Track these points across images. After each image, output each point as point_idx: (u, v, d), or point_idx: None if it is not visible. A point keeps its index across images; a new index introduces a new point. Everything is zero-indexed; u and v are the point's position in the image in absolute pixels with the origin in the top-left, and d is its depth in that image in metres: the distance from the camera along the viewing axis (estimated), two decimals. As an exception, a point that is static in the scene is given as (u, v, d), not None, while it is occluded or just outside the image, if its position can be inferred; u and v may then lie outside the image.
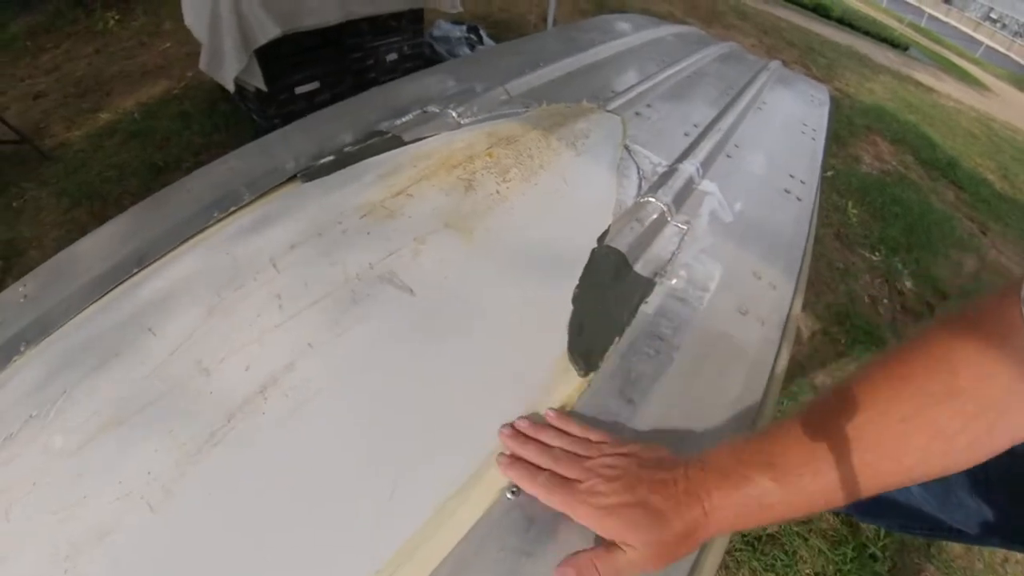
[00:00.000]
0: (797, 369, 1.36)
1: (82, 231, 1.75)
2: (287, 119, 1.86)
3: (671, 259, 0.61)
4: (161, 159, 1.95)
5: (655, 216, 0.66)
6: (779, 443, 0.37)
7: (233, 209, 0.65)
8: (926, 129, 3.97)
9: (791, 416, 0.38)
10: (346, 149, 0.78)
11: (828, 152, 1.26)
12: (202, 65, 1.58)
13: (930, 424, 0.34)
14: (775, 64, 1.62)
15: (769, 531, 1.06)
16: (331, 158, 0.76)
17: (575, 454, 0.39)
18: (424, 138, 0.79)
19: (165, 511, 0.36)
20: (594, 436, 0.41)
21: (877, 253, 1.81)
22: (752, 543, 1.04)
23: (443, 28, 2.40)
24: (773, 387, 0.55)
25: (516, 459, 0.39)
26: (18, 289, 0.54)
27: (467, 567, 0.35)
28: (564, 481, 0.38)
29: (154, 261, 0.57)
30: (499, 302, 0.51)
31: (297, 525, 0.35)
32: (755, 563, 1.02)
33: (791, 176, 0.99)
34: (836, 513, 1.00)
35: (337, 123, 0.86)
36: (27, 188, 2.06)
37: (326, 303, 0.49)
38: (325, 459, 0.39)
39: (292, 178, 0.71)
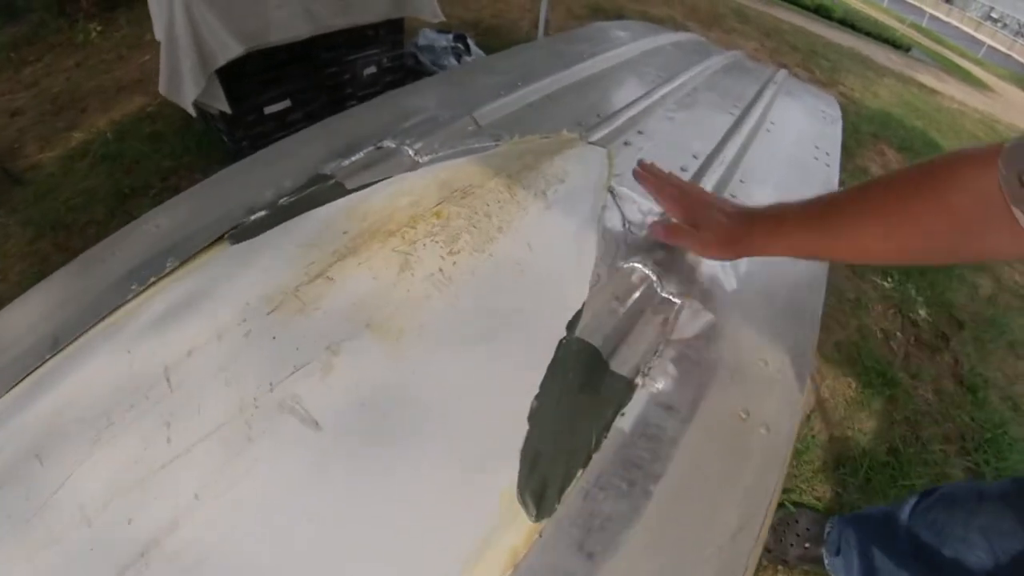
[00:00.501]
0: (805, 421, 1.24)
1: (44, 263, 1.60)
2: (256, 141, 1.75)
3: (658, 351, 0.48)
4: (128, 185, 1.84)
5: (641, 289, 0.53)
6: (815, 209, 0.52)
7: (152, 280, 0.53)
8: (933, 135, 3.84)
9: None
10: (281, 201, 0.66)
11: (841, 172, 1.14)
12: (161, 88, 1.46)
13: (913, 232, 0.44)
14: (782, 74, 1.50)
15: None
16: (263, 213, 0.64)
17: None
18: (371, 184, 0.67)
19: None
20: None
21: (890, 279, 1.71)
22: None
23: (428, 37, 2.28)
24: (770, 508, 0.43)
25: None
26: None
27: None
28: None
29: (62, 348, 0.45)
30: (431, 428, 0.39)
31: None
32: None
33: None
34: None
35: (279, 165, 0.74)
36: (-5, 215, 1.95)
37: (217, 438, 0.38)
38: None
39: (220, 238, 0.60)
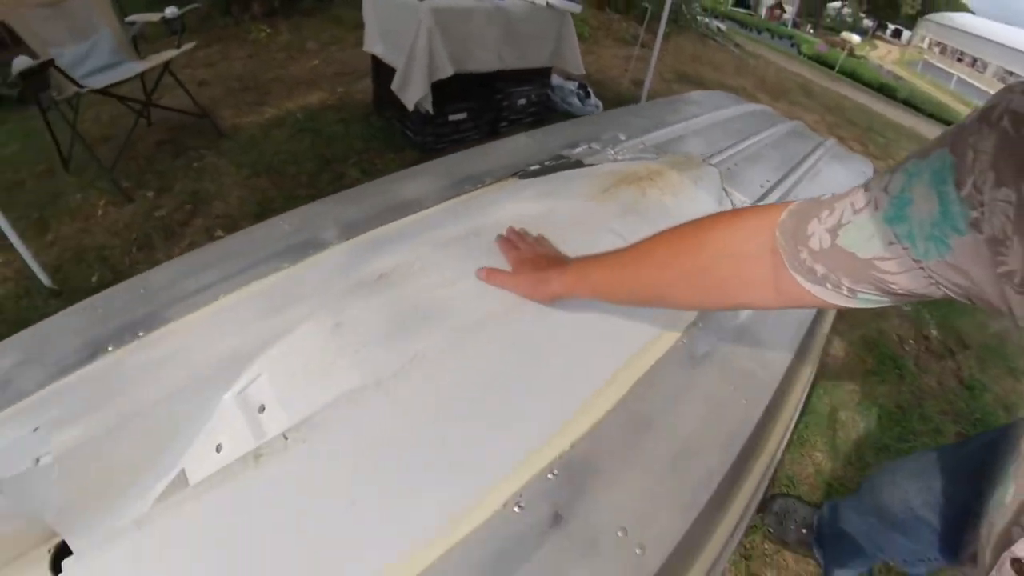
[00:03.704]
0: (827, 376, 1.78)
1: (261, 194, 2.33)
2: (437, 138, 2.42)
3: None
4: (329, 153, 2.54)
5: None
6: (611, 255, 0.67)
7: (468, 190, 1.12)
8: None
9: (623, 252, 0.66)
10: (544, 163, 1.28)
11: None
12: (393, 86, 2.16)
13: (679, 273, 0.59)
14: (831, 142, 2.02)
15: None
16: (536, 167, 1.26)
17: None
18: (593, 164, 1.28)
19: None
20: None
21: (907, 305, 2.19)
22: None
23: (559, 82, 3.04)
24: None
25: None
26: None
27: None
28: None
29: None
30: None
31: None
32: None
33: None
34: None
35: (537, 145, 1.37)
36: (206, 155, 2.66)
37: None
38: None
39: (513, 175, 1.21)
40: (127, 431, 0.65)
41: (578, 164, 1.31)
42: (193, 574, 0.52)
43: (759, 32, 14.79)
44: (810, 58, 12.83)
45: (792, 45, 14.44)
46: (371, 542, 0.54)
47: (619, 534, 0.59)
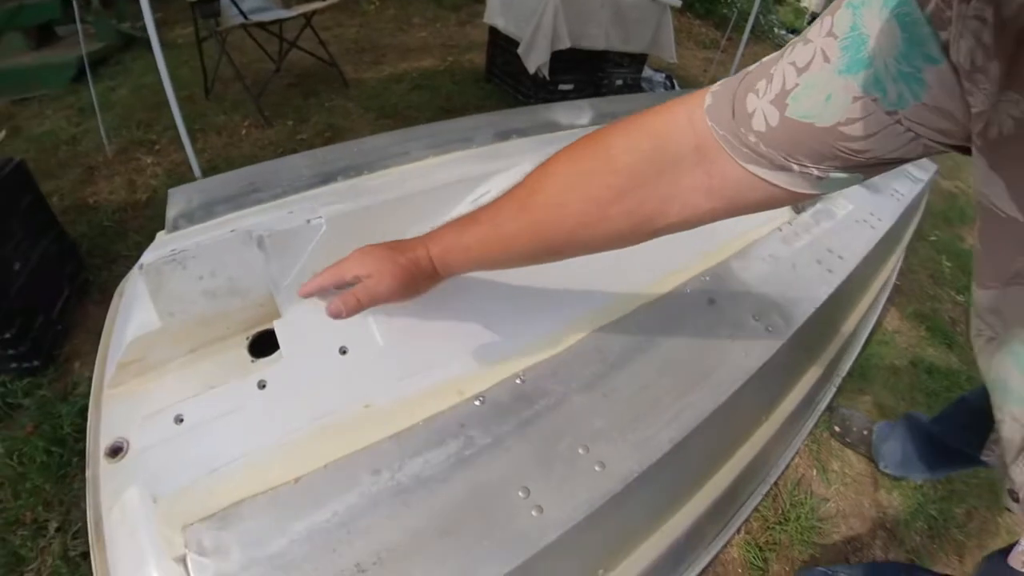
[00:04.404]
0: (884, 331, 2.03)
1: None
2: (546, 101, 2.71)
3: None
4: (447, 106, 2.89)
5: None
6: (490, 206, 0.54)
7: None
8: None
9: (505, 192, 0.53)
10: None
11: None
12: (519, 50, 2.49)
13: (585, 194, 0.46)
14: None
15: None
16: None
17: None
18: None
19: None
20: None
21: (962, 296, 2.39)
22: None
23: (648, 72, 3.36)
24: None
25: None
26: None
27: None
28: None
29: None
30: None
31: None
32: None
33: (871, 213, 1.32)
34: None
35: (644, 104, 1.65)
36: (334, 98, 3.03)
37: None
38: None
39: None
40: (380, 212, 0.88)
41: None
42: (430, 310, 0.71)
43: None
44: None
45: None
46: (592, 290, 0.82)
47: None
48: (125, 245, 1.94)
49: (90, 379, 0.82)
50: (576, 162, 0.48)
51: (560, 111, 1.46)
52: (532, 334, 0.77)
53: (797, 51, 0.36)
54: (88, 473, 0.65)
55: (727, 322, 0.86)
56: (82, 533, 1.16)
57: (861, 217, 1.25)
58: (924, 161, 2.13)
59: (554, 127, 1.37)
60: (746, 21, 3.46)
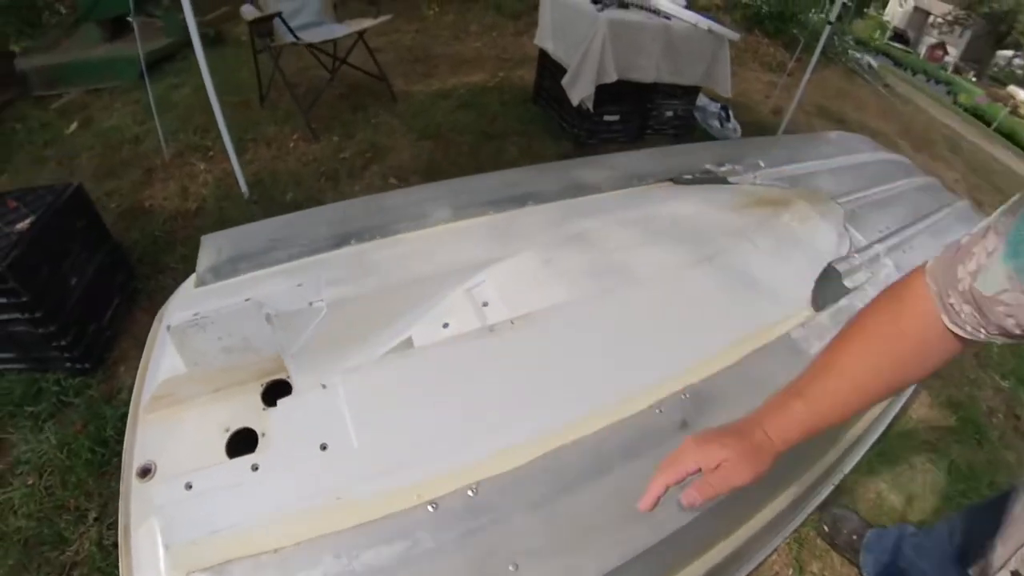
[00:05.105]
0: (906, 421, 1.93)
1: (428, 156, 2.80)
2: (590, 133, 2.72)
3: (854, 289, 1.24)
4: (490, 130, 2.96)
5: (856, 263, 1.29)
6: (802, 379, 0.64)
7: (634, 184, 1.42)
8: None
9: (813, 360, 0.64)
10: (696, 174, 1.53)
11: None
12: (564, 82, 2.50)
13: (888, 358, 0.59)
14: (963, 204, 2.03)
15: None
16: (689, 176, 1.51)
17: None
18: (734, 183, 1.51)
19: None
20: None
21: (1007, 381, 2.23)
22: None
23: (703, 102, 3.29)
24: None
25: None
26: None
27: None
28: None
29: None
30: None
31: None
32: None
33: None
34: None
35: (687, 158, 1.64)
36: (381, 114, 3.13)
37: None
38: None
39: (668, 179, 1.47)
40: (374, 300, 0.97)
41: (723, 180, 1.59)
42: (404, 415, 0.82)
43: (914, 73, 13.73)
44: (966, 109, 11.85)
45: (948, 92, 13.32)
46: (558, 403, 0.85)
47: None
48: (173, 256, 2.08)
49: (131, 387, 0.98)
50: (874, 336, 0.61)
51: (582, 169, 1.48)
52: (494, 446, 0.82)
53: (989, 239, 0.50)
54: (122, 487, 0.81)
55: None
56: (115, 526, 1.31)
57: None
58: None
59: (575, 190, 1.38)
60: (817, 42, 3.28)
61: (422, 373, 0.87)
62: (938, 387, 2.11)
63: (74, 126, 3.15)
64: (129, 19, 3.42)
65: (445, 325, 0.98)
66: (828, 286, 1.24)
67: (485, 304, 1.01)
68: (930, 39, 21.85)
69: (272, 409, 0.83)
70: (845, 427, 1.31)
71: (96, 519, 1.35)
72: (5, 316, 1.46)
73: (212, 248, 1.15)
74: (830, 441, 1.29)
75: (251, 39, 2.87)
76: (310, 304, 0.94)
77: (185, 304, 0.97)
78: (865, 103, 5.51)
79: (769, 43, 5.74)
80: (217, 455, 0.82)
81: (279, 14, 2.69)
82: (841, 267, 1.27)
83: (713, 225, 1.31)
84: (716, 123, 3.32)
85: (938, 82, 13.98)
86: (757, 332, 1.07)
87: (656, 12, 2.71)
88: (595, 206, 1.34)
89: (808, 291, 1.22)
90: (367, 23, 3.04)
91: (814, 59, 3.25)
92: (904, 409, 1.90)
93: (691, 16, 2.74)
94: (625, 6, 2.64)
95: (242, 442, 0.85)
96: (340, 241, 1.14)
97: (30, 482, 1.41)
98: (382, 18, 3.09)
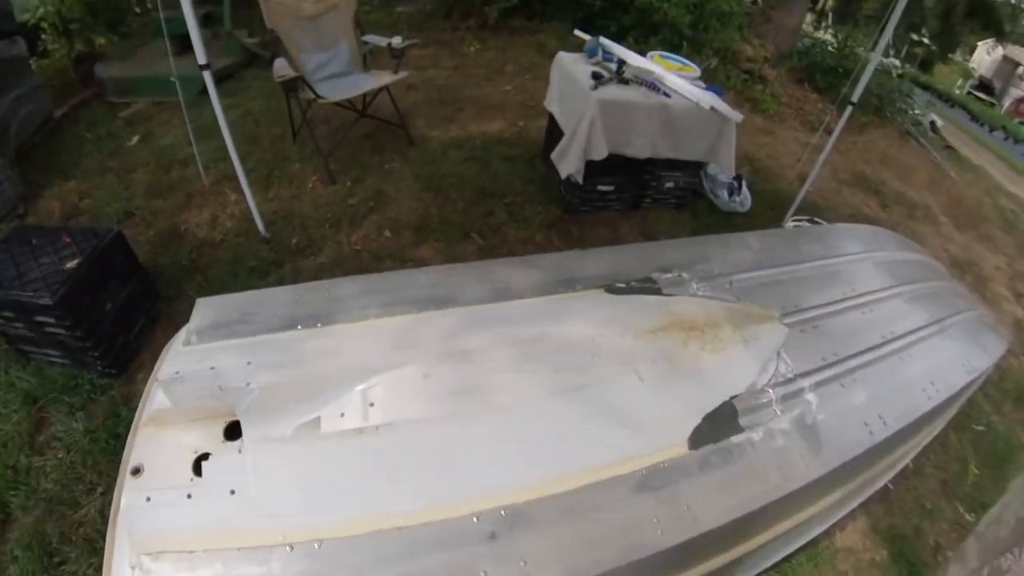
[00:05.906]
0: (819, 548, 1.81)
1: (425, 209, 3.07)
2: (584, 202, 2.94)
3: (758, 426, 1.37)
4: (489, 187, 3.21)
5: (764, 400, 1.41)
6: None
7: (560, 291, 1.59)
8: None
9: None
10: (631, 283, 1.69)
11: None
12: (553, 156, 2.74)
13: None
14: (975, 313, 1.85)
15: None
16: (623, 285, 1.66)
17: None
18: (673, 295, 1.66)
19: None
20: None
21: (973, 515, 2.01)
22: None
23: (714, 169, 3.38)
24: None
25: None
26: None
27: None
28: None
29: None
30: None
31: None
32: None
33: (879, 417, 1.38)
34: None
35: (629, 263, 1.78)
36: (395, 159, 3.44)
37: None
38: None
39: (602, 286, 1.63)
40: (297, 385, 1.27)
41: (658, 292, 1.63)
42: (294, 482, 1.12)
43: (992, 129, 12.35)
44: (1044, 176, 10.86)
45: (1026, 154, 12.17)
46: (391, 496, 1.12)
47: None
48: (192, 285, 2.47)
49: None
50: None
51: (516, 270, 1.66)
52: (344, 515, 1.10)
53: None
54: (119, 478, 1.15)
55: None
56: (113, 503, 1.78)
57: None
58: (991, 337, 1.86)
59: (497, 295, 1.55)
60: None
61: (305, 454, 1.18)
62: (880, 513, 1.94)
63: (136, 139, 3.64)
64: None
65: (342, 415, 1.25)
66: (714, 424, 1.28)
67: (372, 404, 1.26)
68: (1017, 92, 20.23)
69: (209, 459, 1.15)
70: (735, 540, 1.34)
71: (102, 493, 1.75)
72: (53, 330, 1.91)
73: (201, 312, 1.48)
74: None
75: (283, 88, 3.20)
76: (247, 384, 1.26)
77: (172, 360, 1.35)
78: (912, 170, 5.22)
79: (818, 99, 5.54)
80: (185, 470, 1.14)
81: (302, 77, 2.94)
82: (742, 404, 1.33)
83: (606, 350, 1.40)
84: (723, 194, 3.33)
85: (1017, 141, 12.82)
86: (605, 465, 1.17)
87: (656, 89, 2.80)
88: (503, 316, 1.50)
89: (690, 428, 1.26)
90: (387, 79, 3.28)
91: (842, 121, 3.04)
92: (832, 529, 1.78)
93: (694, 94, 2.80)
94: (625, 82, 2.77)
95: (203, 462, 1.17)
96: (290, 324, 1.43)
97: (60, 455, 1.85)
98: (401, 74, 3.31)
